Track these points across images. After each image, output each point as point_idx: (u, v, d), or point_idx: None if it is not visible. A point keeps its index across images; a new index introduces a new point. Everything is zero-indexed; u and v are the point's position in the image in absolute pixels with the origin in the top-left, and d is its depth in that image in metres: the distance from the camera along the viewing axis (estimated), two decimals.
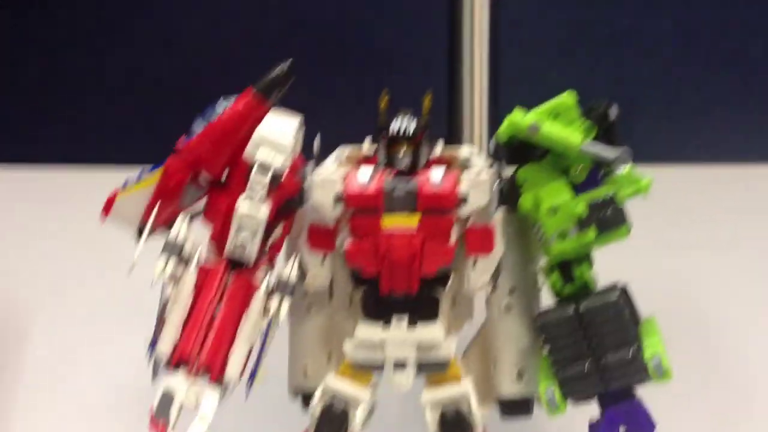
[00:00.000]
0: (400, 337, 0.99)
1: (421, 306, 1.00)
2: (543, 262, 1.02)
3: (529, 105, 1.03)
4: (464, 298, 1.07)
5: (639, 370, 0.93)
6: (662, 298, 1.00)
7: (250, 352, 1.02)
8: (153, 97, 2.07)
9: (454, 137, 1.37)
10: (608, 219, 0.94)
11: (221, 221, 1.03)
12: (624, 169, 0.97)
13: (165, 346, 1.00)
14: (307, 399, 1.10)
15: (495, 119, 1.32)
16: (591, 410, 1.00)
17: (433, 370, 1.01)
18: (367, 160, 1.06)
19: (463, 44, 1.32)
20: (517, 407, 1.05)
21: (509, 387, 1.04)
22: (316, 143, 1.05)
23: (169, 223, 1.08)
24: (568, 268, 0.98)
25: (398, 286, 0.98)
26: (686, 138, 1.90)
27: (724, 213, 1.50)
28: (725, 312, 1.38)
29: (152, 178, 1.07)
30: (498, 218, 1.00)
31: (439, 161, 1.05)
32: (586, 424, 1.00)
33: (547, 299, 1.05)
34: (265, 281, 1.02)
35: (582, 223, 0.94)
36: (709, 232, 1.46)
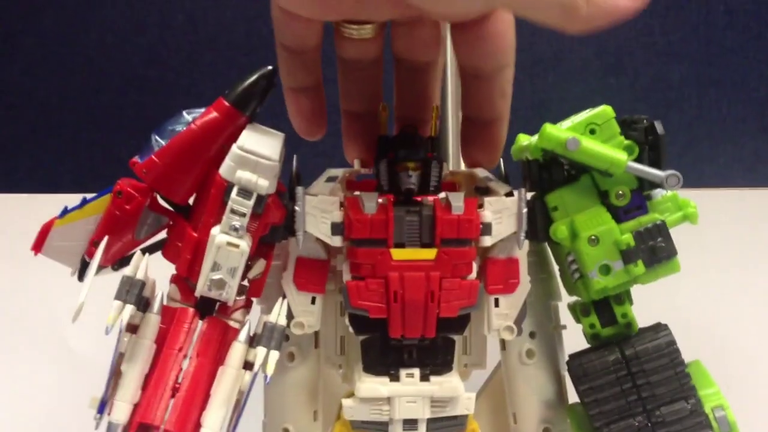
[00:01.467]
0: (412, 391, 0.83)
1: (435, 353, 0.84)
2: (571, 300, 0.89)
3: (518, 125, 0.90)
4: (476, 342, 0.92)
5: (700, 426, 0.81)
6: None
7: (227, 416, 0.84)
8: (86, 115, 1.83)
9: None
10: (659, 250, 0.81)
11: (190, 256, 0.84)
12: (668, 192, 0.84)
13: (121, 411, 0.81)
14: None
15: None
16: None
17: (449, 428, 0.85)
18: (363, 184, 0.90)
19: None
20: None
21: None
22: (294, 164, 0.88)
23: (117, 261, 0.89)
24: (606, 307, 0.85)
25: (412, 331, 0.82)
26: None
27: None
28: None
29: (99, 204, 0.88)
30: (524, 250, 0.85)
31: (449, 185, 0.90)
32: None
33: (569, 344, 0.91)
34: (245, 328, 0.84)
35: (628, 255, 0.81)
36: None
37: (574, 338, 0.91)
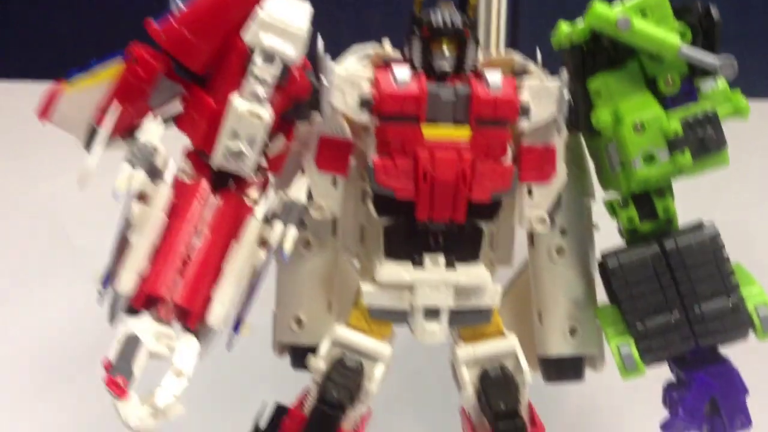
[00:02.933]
0: (436, 278, 0.79)
1: (463, 241, 0.80)
2: (609, 194, 0.84)
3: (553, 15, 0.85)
4: (504, 238, 0.88)
5: (741, 323, 0.77)
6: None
7: (239, 296, 0.79)
8: None
9: None
10: (708, 140, 0.76)
11: (206, 125, 0.79)
12: (719, 84, 0.79)
13: (128, 281, 0.77)
14: (298, 356, 0.89)
15: (515, 25, 1.11)
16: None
17: (473, 320, 0.81)
18: (394, 62, 0.84)
19: None
20: (565, 369, 0.87)
21: (559, 344, 0.86)
22: (320, 42, 0.83)
23: (129, 131, 0.84)
24: (647, 201, 0.80)
25: (440, 214, 0.77)
26: None
27: None
28: None
29: (110, 70, 0.82)
30: (561, 138, 0.80)
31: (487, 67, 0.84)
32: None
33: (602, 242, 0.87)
34: (262, 204, 0.80)
35: (675, 144, 0.76)
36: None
37: (606, 242, 0.86)
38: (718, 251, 0.77)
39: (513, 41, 1.11)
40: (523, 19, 0.97)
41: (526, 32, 1.18)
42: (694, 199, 0.89)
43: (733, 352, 0.81)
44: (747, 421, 0.79)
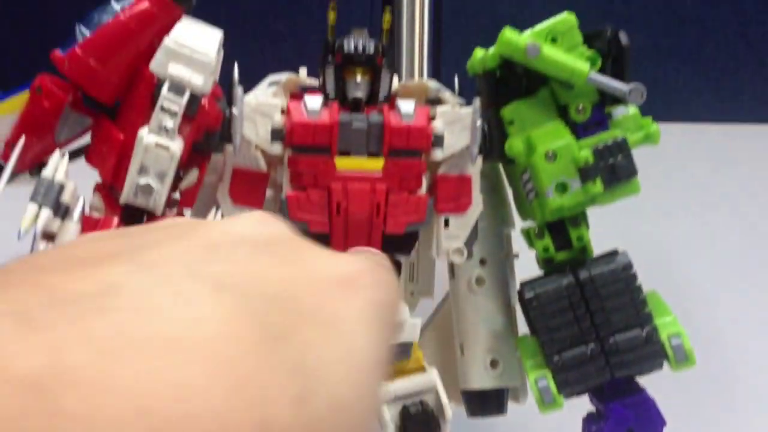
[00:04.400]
0: None
1: None
2: (526, 224, 0.84)
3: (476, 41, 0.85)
4: (424, 269, 0.87)
5: (655, 354, 0.76)
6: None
7: None
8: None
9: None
10: (619, 168, 0.76)
11: (115, 159, 0.77)
12: (630, 110, 0.80)
13: None
14: None
15: (437, 53, 1.11)
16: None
17: (393, 356, 0.79)
18: (307, 91, 0.83)
19: None
20: (487, 403, 0.86)
21: (481, 377, 0.85)
22: (235, 71, 0.82)
23: (36, 165, 0.82)
24: (561, 230, 0.80)
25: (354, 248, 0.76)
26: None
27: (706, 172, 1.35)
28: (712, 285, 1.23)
29: (16, 101, 0.80)
30: (477, 167, 0.80)
31: (402, 95, 0.84)
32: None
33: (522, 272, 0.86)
34: None
35: (586, 173, 0.76)
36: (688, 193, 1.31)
37: (527, 271, 0.86)
38: (630, 280, 0.77)
39: (436, 69, 1.11)
40: (447, 46, 0.96)
41: (451, 60, 1.19)
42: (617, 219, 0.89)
43: (652, 382, 0.81)
44: None
